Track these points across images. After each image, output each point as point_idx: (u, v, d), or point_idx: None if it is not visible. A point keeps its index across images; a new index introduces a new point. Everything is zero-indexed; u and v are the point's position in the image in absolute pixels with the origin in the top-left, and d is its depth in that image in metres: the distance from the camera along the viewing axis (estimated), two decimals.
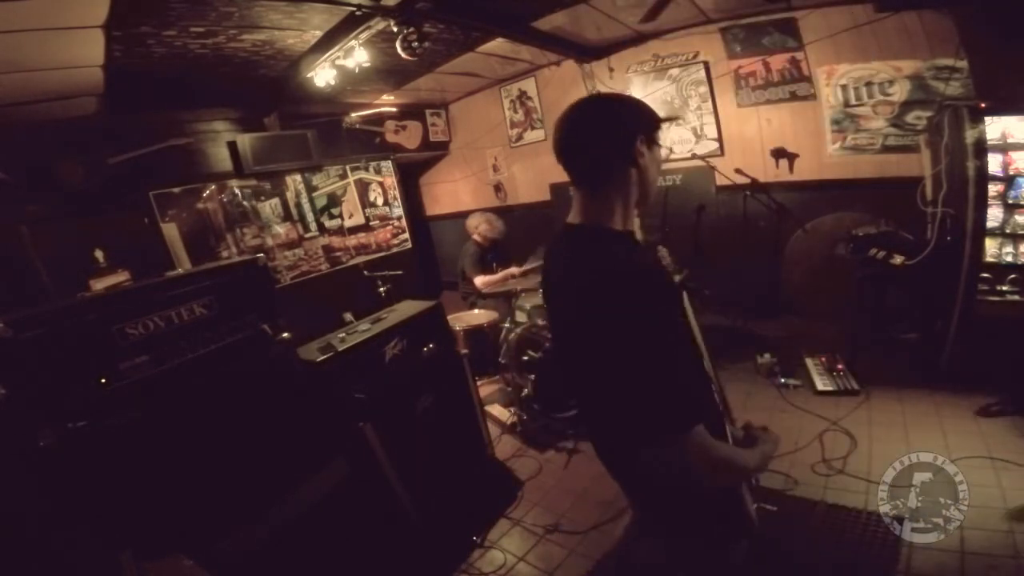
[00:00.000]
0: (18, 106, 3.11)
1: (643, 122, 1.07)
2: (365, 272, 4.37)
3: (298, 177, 4.98)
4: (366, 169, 5.63)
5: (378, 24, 2.96)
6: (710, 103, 4.39)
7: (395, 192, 5.93)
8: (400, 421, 2.38)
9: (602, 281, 0.93)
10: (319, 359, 2.17)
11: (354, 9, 2.79)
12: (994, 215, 2.77)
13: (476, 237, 4.42)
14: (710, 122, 4.44)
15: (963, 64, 3.17)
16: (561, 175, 1.11)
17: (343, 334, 2.40)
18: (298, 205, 5.00)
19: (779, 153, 4.14)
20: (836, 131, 3.87)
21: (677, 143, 4.67)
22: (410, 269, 5.59)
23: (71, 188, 3.54)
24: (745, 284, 4.27)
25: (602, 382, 0.98)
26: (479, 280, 4.28)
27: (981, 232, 2.77)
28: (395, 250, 5.91)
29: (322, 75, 3.52)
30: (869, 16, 3.44)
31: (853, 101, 3.73)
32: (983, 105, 2.73)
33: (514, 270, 4.39)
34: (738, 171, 3.83)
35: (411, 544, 2.28)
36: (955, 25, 3.13)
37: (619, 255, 0.97)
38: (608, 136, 1.04)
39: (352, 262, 5.37)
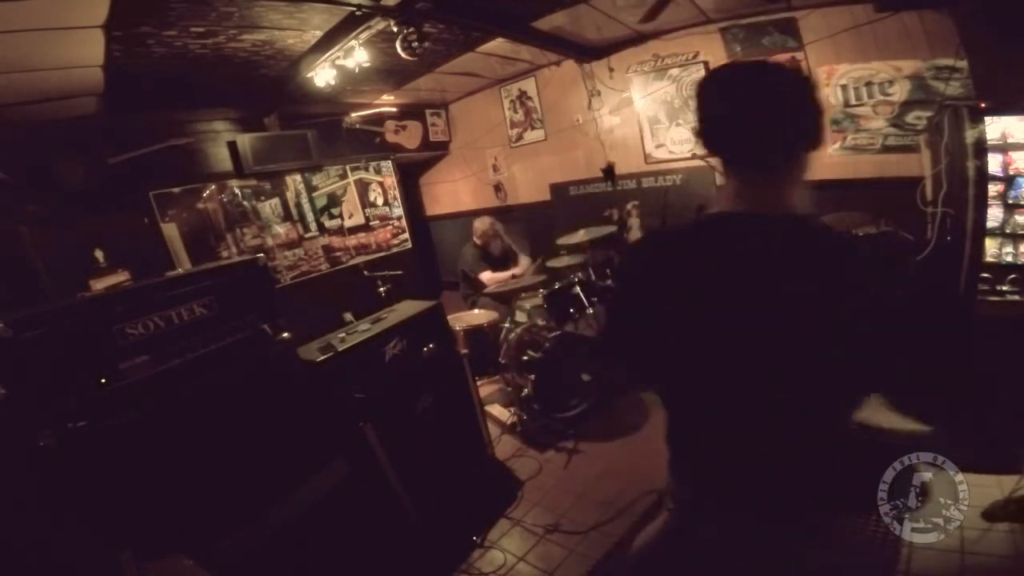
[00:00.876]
0: (18, 106, 3.11)
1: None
2: (365, 272, 4.38)
3: (298, 177, 4.98)
4: (366, 169, 5.63)
5: (378, 24, 2.96)
6: None
7: (395, 192, 5.93)
8: (400, 421, 2.38)
9: (867, 264, 0.96)
10: (319, 359, 2.17)
11: (354, 9, 2.79)
12: (994, 215, 2.76)
13: (476, 239, 4.45)
14: None
15: (963, 64, 3.17)
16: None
17: (343, 334, 2.40)
18: (298, 205, 5.00)
19: None
20: (836, 131, 3.87)
21: (677, 143, 4.67)
22: (410, 269, 5.59)
23: (71, 188, 3.54)
24: None
25: (857, 355, 0.95)
26: (486, 276, 4.29)
27: (981, 232, 2.76)
28: (395, 250, 5.91)
29: (322, 75, 3.52)
30: (869, 16, 3.43)
31: (853, 101, 3.73)
32: (983, 105, 2.73)
33: (517, 270, 4.40)
34: None
35: (411, 544, 2.28)
36: (955, 25, 3.12)
37: (851, 238, 1.04)
38: (815, 108, 0.93)
39: (352, 262, 5.37)
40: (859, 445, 1.10)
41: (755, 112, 0.91)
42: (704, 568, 1.20)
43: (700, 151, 1.01)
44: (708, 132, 0.98)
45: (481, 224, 4.45)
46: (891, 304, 0.94)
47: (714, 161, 1.03)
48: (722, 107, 0.96)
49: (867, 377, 1.01)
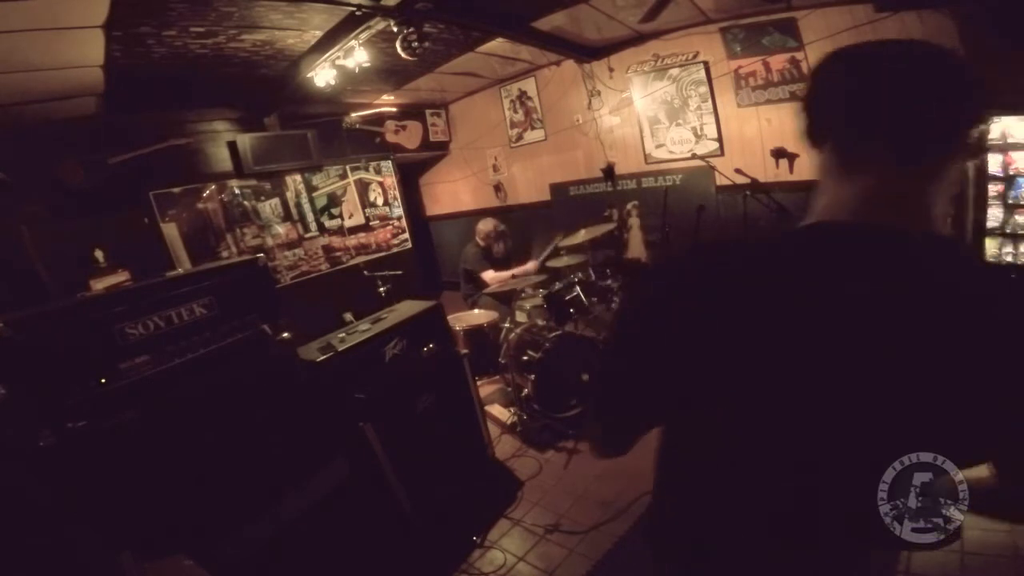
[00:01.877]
0: (18, 106, 3.11)
1: None
2: (365, 272, 4.37)
3: (298, 177, 4.98)
4: (366, 169, 5.63)
5: (378, 24, 2.96)
6: (710, 103, 4.39)
7: (395, 192, 5.93)
8: (400, 421, 2.38)
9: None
10: (319, 359, 2.17)
11: (354, 9, 2.79)
12: (994, 215, 2.77)
13: (477, 239, 4.45)
14: (710, 122, 4.43)
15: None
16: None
17: (343, 334, 2.40)
18: (298, 205, 5.00)
19: (779, 153, 4.13)
20: None
21: (677, 143, 4.67)
22: (410, 269, 5.59)
23: (71, 188, 3.54)
24: None
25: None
26: (489, 275, 4.29)
27: (981, 232, 2.77)
28: (395, 250, 5.91)
29: (322, 75, 3.53)
30: (869, 16, 3.44)
31: None
32: None
33: (519, 270, 4.41)
34: (738, 171, 3.83)
35: (411, 544, 2.28)
36: (955, 25, 3.12)
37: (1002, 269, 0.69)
38: (980, 98, 0.68)
39: (352, 262, 5.37)
40: None
41: (924, 88, 0.66)
42: None
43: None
44: (837, 123, 0.73)
45: (485, 226, 4.46)
46: None
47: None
48: (874, 82, 0.68)
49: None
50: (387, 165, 5.84)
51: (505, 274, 4.31)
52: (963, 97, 0.67)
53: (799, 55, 3.86)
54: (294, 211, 4.96)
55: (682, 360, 0.73)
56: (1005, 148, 2.72)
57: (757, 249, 0.75)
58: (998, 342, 0.62)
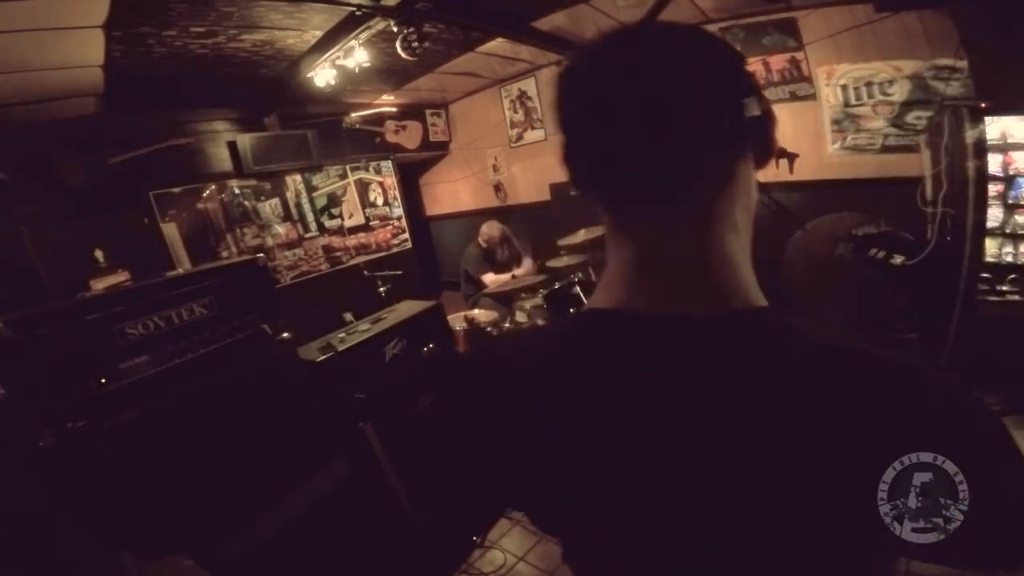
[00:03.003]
0: (18, 106, 3.11)
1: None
2: (365, 272, 4.37)
3: (298, 177, 4.98)
4: (366, 169, 5.63)
5: (378, 24, 2.96)
6: None
7: (395, 192, 5.93)
8: (400, 421, 2.38)
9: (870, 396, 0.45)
10: (319, 359, 2.17)
11: (354, 9, 2.79)
12: (994, 215, 2.76)
13: (480, 240, 4.46)
14: None
15: (963, 64, 3.17)
16: (561, 175, 0.61)
17: (343, 334, 2.40)
18: (298, 205, 5.00)
19: (779, 153, 4.11)
20: (836, 131, 3.87)
21: None
22: (410, 269, 5.59)
23: (71, 188, 3.54)
24: None
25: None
26: (488, 278, 4.30)
27: (981, 232, 2.76)
28: (395, 250, 5.91)
29: (322, 75, 3.53)
30: (869, 16, 3.43)
31: (853, 101, 3.73)
32: (983, 105, 2.73)
33: (519, 271, 4.41)
34: None
35: (411, 544, 2.28)
36: (955, 25, 3.12)
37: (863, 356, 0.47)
38: (746, 92, 0.51)
39: (352, 262, 5.37)
40: None
41: (637, 100, 0.47)
42: None
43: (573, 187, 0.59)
44: (575, 157, 0.57)
45: (489, 228, 4.46)
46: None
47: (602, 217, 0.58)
48: (588, 108, 0.51)
49: None
50: (387, 165, 5.84)
51: (504, 277, 4.31)
52: (711, 94, 0.48)
53: (799, 55, 3.86)
54: (294, 211, 4.96)
55: (497, 467, 0.64)
56: (1005, 148, 2.71)
57: (527, 352, 0.61)
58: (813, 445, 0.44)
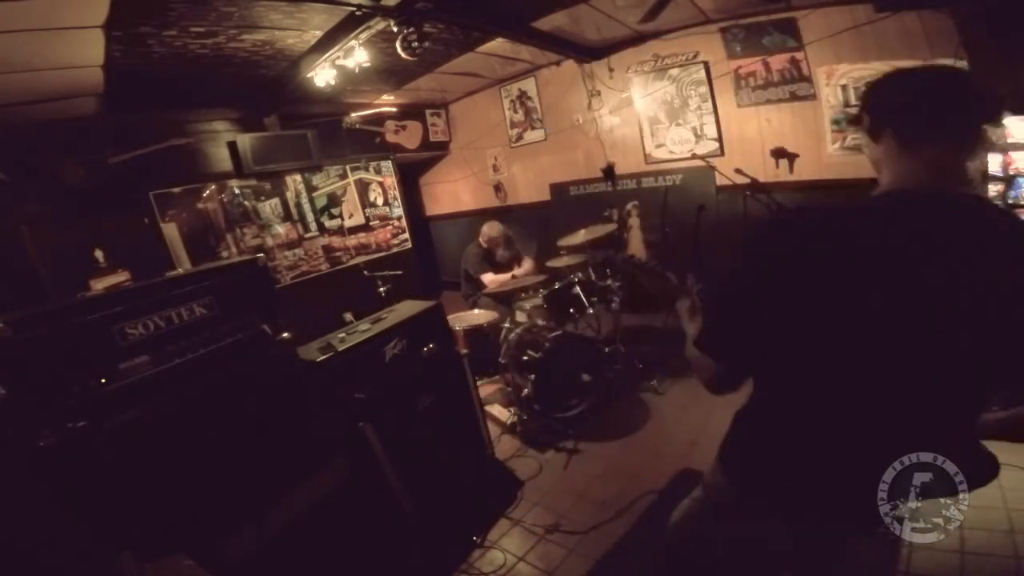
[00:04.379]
0: (18, 106, 3.11)
1: None
2: (365, 272, 4.37)
3: (298, 177, 4.99)
4: (366, 169, 5.63)
5: (378, 24, 2.96)
6: (710, 103, 4.40)
7: (395, 192, 5.93)
8: (400, 421, 2.38)
9: None
10: (319, 359, 2.16)
11: (354, 9, 2.79)
12: None
13: (480, 240, 4.46)
14: (710, 122, 4.44)
15: (963, 64, 3.17)
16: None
17: (343, 334, 2.40)
18: (298, 205, 5.00)
19: (779, 153, 4.13)
20: (836, 131, 3.87)
21: (677, 143, 4.68)
22: (410, 269, 5.59)
23: (72, 188, 3.54)
24: None
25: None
26: (487, 278, 4.30)
27: None
28: (395, 250, 5.91)
29: (322, 75, 3.53)
30: (869, 16, 3.44)
31: (853, 101, 3.73)
32: None
33: (519, 271, 4.41)
34: (738, 171, 3.82)
35: (411, 544, 2.28)
36: (955, 25, 3.12)
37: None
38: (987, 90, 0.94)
39: (352, 262, 5.37)
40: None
41: (947, 87, 0.91)
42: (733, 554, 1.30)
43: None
44: (897, 111, 0.95)
45: (490, 229, 4.45)
46: None
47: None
48: (917, 87, 0.94)
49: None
50: (387, 165, 5.84)
51: (504, 277, 4.31)
52: (982, 99, 0.90)
53: (799, 55, 3.86)
54: (294, 211, 4.96)
55: (791, 309, 0.91)
56: (1005, 148, 2.72)
57: (841, 215, 0.94)
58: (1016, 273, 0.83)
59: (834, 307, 0.88)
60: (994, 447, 1.20)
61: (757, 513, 1.21)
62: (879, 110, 0.96)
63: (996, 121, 0.95)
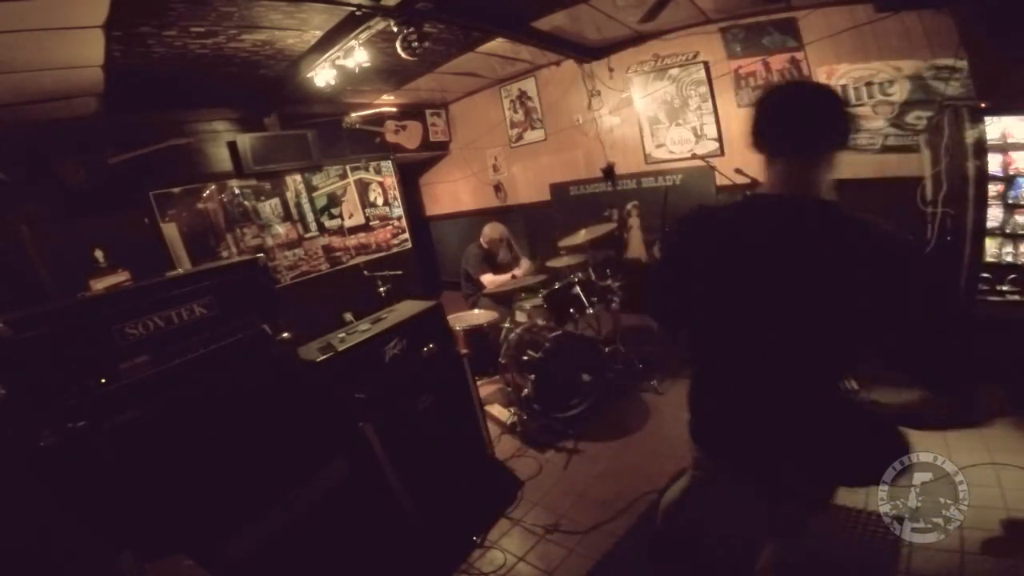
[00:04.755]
0: (18, 106, 3.11)
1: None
2: (365, 272, 4.37)
3: (298, 177, 4.98)
4: (366, 169, 5.63)
5: (378, 24, 2.96)
6: (710, 103, 4.39)
7: (395, 192, 5.93)
8: (400, 421, 2.38)
9: (865, 241, 1.10)
10: (319, 359, 2.17)
11: (354, 9, 2.79)
12: (994, 215, 2.76)
13: (481, 240, 4.46)
14: (710, 122, 4.43)
15: (963, 64, 3.17)
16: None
17: (343, 334, 2.40)
18: (298, 205, 5.00)
19: None
20: None
21: (677, 143, 4.67)
22: (410, 269, 5.59)
23: (71, 188, 3.54)
24: None
25: (849, 318, 1.12)
26: (486, 279, 4.30)
27: (981, 232, 2.76)
28: (395, 250, 5.91)
29: (322, 75, 3.52)
30: (869, 16, 3.43)
31: (853, 101, 3.73)
32: (983, 105, 2.73)
33: (517, 271, 4.41)
34: (738, 171, 3.82)
35: (411, 544, 2.28)
36: (955, 25, 3.12)
37: (870, 219, 1.13)
38: (847, 117, 1.18)
39: (352, 262, 5.37)
40: (852, 415, 1.26)
41: (810, 110, 1.17)
42: (720, 521, 1.60)
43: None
44: (763, 132, 1.21)
45: (492, 231, 4.46)
46: (896, 286, 1.08)
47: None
48: (775, 112, 1.21)
49: (859, 343, 1.17)
50: (387, 165, 5.84)
51: (503, 277, 4.31)
52: (848, 119, 1.18)
53: (799, 55, 3.86)
54: (294, 211, 4.96)
55: (682, 279, 1.32)
56: (1005, 148, 2.72)
57: (715, 212, 1.32)
58: (847, 270, 1.10)
59: (707, 281, 1.24)
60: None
61: (733, 480, 1.48)
62: (753, 131, 1.23)
63: (842, 146, 1.17)
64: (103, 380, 1.62)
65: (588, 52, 4.74)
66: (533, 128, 5.66)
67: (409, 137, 5.99)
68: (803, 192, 1.16)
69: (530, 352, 3.22)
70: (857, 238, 1.11)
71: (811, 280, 1.13)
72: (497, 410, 3.57)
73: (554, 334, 3.26)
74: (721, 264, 1.22)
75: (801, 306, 1.15)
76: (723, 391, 1.33)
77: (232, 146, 4.48)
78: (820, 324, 1.15)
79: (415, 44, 2.92)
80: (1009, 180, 2.73)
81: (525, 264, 4.54)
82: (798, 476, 1.32)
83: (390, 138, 5.76)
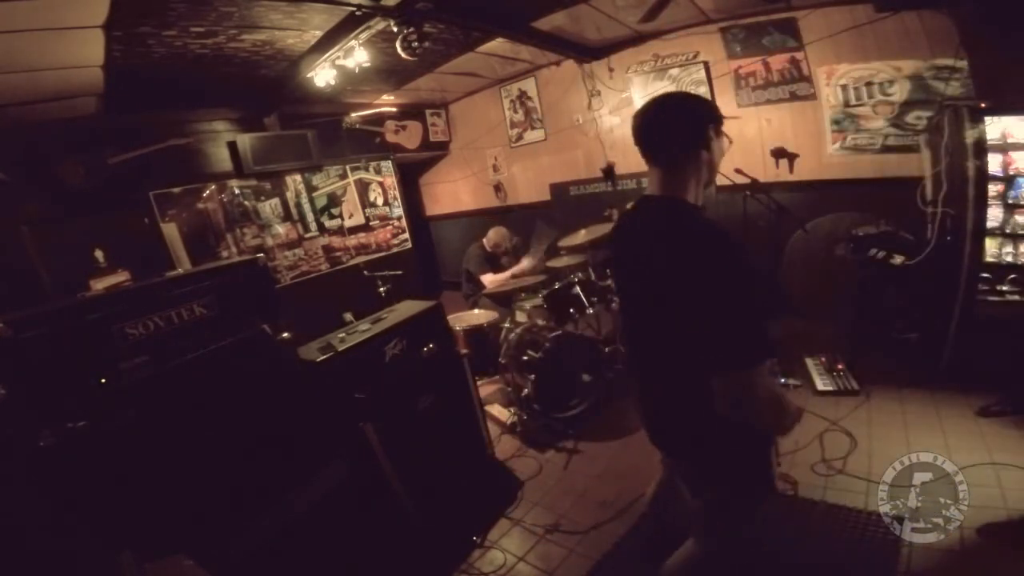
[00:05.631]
0: (18, 106, 3.11)
1: (712, 113, 1.30)
2: (365, 272, 4.37)
3: (298, 177, 4.99)
4: (366, 169, 5.63)
5: (378, 24, 2.96)
6: None
7: (395, 192, 5.93)
8: (400, 421, 2.38)
9: (698, 241, 1.13)
10: (319, 359, 2.16)
11: (354, 9, 2.79)
12: (994, 215, 2.76)
13: (485, 243, 4.46)
14: None
15: (963, 64, 3.17)
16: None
17: (343, 334, 2.40)
18: (298, 205, 5.00)
19: (779, 153, 4.13)
20: (836, 131, 3.87)
21: None
22: (410, 269, 5.59)
23: (72, 188, 3.54)
24: None
25: (690, 324, 1.12)
26: (486, 278, 4.30)
27: (981, 232, 2.76)
28: (395, 250, 5.91)
29: (322, 75, 3.52)
30: (869, 16, 3.44)
31: (853, 101, 3.73)
32: (983, 105, 2.73)
33: (517, 270, 4.40)
34: (738, 171, 3.82)
35: (411, 544, 2.28)
36: (955, 25, 3.12)
37: (707, 222, 1.17)
38: (687, 121, 1.26)
39: (352, 262, 5.37)
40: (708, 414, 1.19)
41: (646, 122, 1.30)
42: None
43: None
44: (638, 139, 1.31)
45: (496, 235, 4.47)
46: (724, 289, 1.07)
47: None
48: (636, 122, 1.31)
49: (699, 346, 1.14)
50: (387, 165, 5.84)
51: (503, 276, 4.31)
52: (690, 122, 1.27)
53: (799, 55, 3.86)
54: (294, 211, 4.96)
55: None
56: (1005, 148, 2.71)
57: (624, 215, 1.48)
58: (671, 266, 1.16)
59: (613, 281, 1.57)
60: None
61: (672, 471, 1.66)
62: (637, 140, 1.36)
63: (692, 150, 1.25)
64: (103, 380, 1.62)
65: (588, 52, 4.74)
66: (533, 128, 5.67)
67: (409, 137, 5.99)
68: (669, 193, 1.26)
69: (530, 352, 3.22)
70: (680, 236, 1.16)
71: (647, 277, 1.25)
72: (497, 410, 3.57)
73: (554, 334, 3.26)
74: (614, 265, 1.45)
75: (645, 302, 1.28)
76: (636, 384, 1.50)
77: (232, 146, 4.48)
78: (659, 320, 1.24)
79: (415, 44, 2.92)
80: (1009, 180, 2.73)
81: (525, 261, 4.53)
82: (685, 470, 1.43)
83: (390, 138, 5.76)
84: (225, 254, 4.44)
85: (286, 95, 4.19)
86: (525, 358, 3.23)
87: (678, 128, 1.25)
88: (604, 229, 4.27)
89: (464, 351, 2.87)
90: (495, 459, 2.97)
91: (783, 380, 3.30)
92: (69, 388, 1.56)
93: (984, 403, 2.63)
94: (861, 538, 2.01)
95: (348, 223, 5.43)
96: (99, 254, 3.65)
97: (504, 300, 4.22)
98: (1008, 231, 2.77)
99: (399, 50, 2.97)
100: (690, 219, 1.20)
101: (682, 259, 1.13)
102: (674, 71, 4.50)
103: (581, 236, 4.02)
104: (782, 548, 2.00)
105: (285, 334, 2.12)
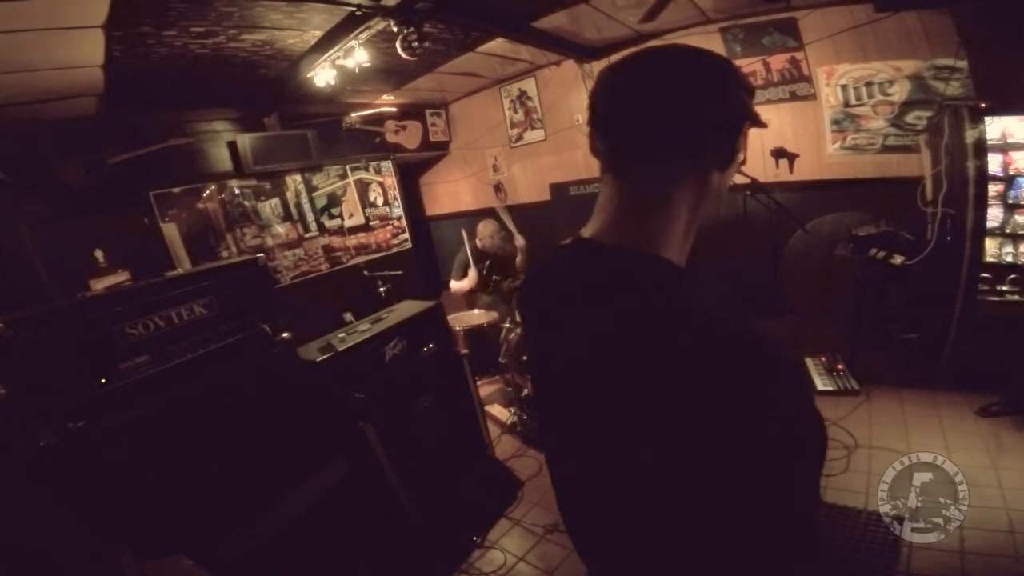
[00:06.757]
0: (18, 106, 3.11)
1: (750, 100, 0.69)
2: (365, 272, 4.38)
3: (298, 177, 4.98)
4: (366, 169, 5.63)
5: (378, 24, 2.96)
6: None
7: (395, 192, 5.93)
8: (400, 421, 2.38)
9: (689, 357, 0.54)
10: (319, 359, 2.17)
11: (354, 9, 2.79)
12: (994, 215, 2.77)
13: (477, 242, 4.47)
14: None
15: (963, 64, 3.17)
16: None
17: (343, 334, 2.40)
18: (298, 205, 4.99)
19: (779, 153, 4.13)
20: (836, 131, 3.87)
21: None
22: (410, 269, 5.59)
23: (72, 188, 3.54)
24: (745, 284, 4.27)
25: (689, 496, 0.56)
26: (453, 284, 4.34)
27: (981, 232, 2.77)
28: (395, 250, 5.91)
29: (322, 75, 3.52)
30: (869, 16, 3.44)
31: (853, 101, 3.73)
32: (983, 105, 2.73)
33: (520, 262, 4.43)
34: (738, 171, 3.83)
35: (411, 544, 2.28)
36: (955, 25, 3.12)
37: (718, 316, 0.57)
38: (715, 103, 0.65)
39: (352, 262, 5.37)
40: None
41: (622, 88, 0.66)
42: None
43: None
44: (600, 115, 0.71)
45: (484, 228, 4.49)
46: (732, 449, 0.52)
47: None
48: (606, 86, 0.68)
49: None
50: (387, 165, 5.84)
51: (465, 285, 4.36)
52: (717, 103, 0.66)
53: (799, 55, 3.86)
54: (294, 211, 4.96)
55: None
56: (1005, 148, 2.72)
57: (549, 265, 0.82)
58: (666, 388, 0.55)
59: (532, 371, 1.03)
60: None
61: None
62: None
63: (699, 157, 0.75)
64: (103, 380, 1.63)
65: (588, 52, 4.74)
66: (533, 128, 5.66)
67: (409, 137, 5.98)
68: (634, 244, 0.66)
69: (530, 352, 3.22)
70: (689, 338, 0.56)
71: (605, 391, 0.62)
72: (497, 410, 3.57)
73: None
74: (533, 341, 0.83)
75: (598, 430, 0.65)
76: None
77: (232, 146, 4.48)
78: (627, 472, 0.62)
79: (415, 44, 2.92)
80: (1009, 180, 2.74)
81: (520, 240, 4.57)
82: None
83: (390, 138, 5.75)
84: (225, 254, 4.44)
85: (286, 95, 4.18)
86: (525, 358, 3.23)
87: (693, 112, 0.64)
88: None
89: (464, 351, 2.87)
90: (495, 459, 2.98)
91: None
92: (69, 388, 1.56)
93: (984, 403, 2.63)
94: (861, 538, 2.01)
95: (348, 223, 5.43)
96: (99, 254, 3.65)
97: (504, 300, 4.23)
98: (1008, 231, 2.77)
99: (399, 50, 2.97)
100: (684, 310, 0.60)
101: (683, 385, 0.54)
102: None
103: None
104: None
105: (285, 334, 2.12)
